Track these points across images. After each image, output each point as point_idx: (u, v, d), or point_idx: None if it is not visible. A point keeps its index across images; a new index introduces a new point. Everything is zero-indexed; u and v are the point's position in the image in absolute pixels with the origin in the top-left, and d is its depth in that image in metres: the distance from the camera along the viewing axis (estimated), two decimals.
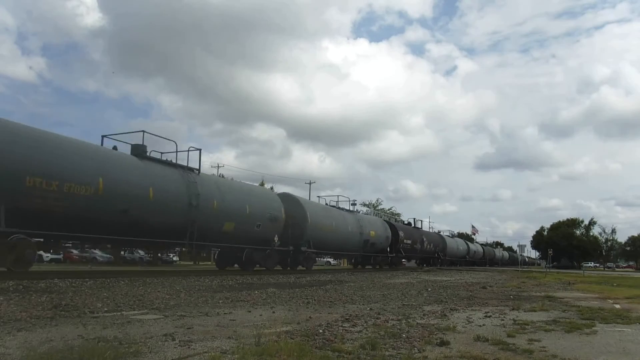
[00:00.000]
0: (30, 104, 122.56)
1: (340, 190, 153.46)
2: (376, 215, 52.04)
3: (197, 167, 19.60)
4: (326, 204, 31.92)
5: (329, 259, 51.18)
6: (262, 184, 49.61)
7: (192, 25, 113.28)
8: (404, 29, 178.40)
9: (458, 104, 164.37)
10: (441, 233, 58.17)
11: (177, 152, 18.94)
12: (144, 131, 17.96)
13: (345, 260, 41.57)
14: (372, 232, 33.55)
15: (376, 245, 34.39)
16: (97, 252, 36.30)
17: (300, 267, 25.78)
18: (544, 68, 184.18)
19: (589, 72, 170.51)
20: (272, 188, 49.09)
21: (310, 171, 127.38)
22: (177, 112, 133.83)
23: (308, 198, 38.60)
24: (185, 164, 18.95)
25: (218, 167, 50.95)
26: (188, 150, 19.65)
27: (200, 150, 20.16)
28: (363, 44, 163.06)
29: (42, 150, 13.48)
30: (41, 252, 33.82)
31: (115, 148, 17.21)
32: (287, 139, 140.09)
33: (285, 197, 26.16)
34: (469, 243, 67.65)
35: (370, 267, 36.06)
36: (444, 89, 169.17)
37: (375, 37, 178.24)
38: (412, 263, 49.83)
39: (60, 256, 35.91)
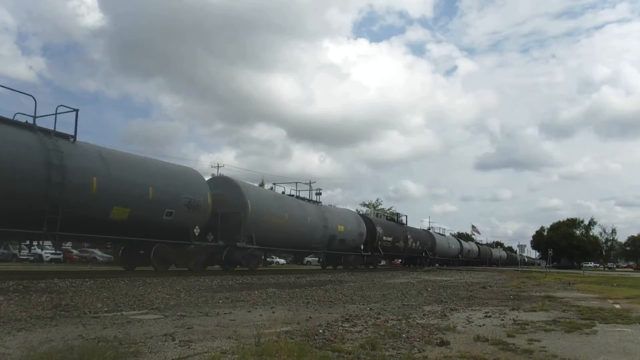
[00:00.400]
0: (29, 103, 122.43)
1: (340, 190, 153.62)
2: (377, 215, 51.77)
3: (72, 134, 14.58)
4: (283, 192, 27.61)
5: (278, 259, 47.08)
6: (261, 185, 49.42)
7: (193, 25, 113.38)
8: (404, 29, 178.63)
9: (458, 104, 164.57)
10: (431, 230, 53.74)
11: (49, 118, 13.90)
12: None
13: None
14: (341, 227, 29.15)
15: (346, 242, 30.05)
16: (97, 252, 36.35)
17: (240, 268, 21.20)
18: (544, 68, 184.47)
19: (589, 72, 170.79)
20: (272, 188, 48.69)
21: (310, 171, 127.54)
22: (177, 112, 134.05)
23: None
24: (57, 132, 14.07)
25: (218, 167, 50.93)
26: (56, 113, 14.28)
27: (77, 111, 14.76)
28: (363, 44, 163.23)
29: None
30: (40, 252, 34.21)
31: None
32: (287, 139, 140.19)
33: (219, 181, 22.49)
34: (462, 241, 63.56)
35: (341, 267, 31.34)
36: (444, 89, 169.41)
37: (375, 37, 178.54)
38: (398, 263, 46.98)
39: (60, 256, 35.93)
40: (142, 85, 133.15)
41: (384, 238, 35.34)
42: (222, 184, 21.68)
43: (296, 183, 29.95)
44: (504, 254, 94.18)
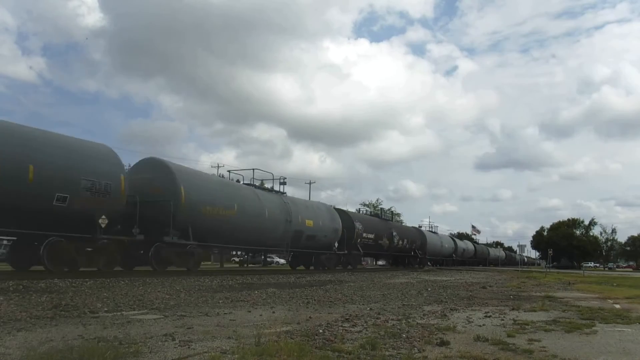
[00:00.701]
0: (29, 103, 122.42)
1: (340, 190, 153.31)
2: (376, 215, 51.33)
3: None
4: (238, 181, 23.42)
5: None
6: (261, 184, 49.21)
7: (193, 25, 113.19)
8: (405, 29, 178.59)
9: (458, 104, 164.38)
10: (422, 227, 50.41)
11: None
12: None
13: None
14: (310, 222, 25.51)
15: (317, 239, 26.38)
16: None
17: (175, 268, 18.10)
18: (544, 68, 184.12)
19: (589, 72, 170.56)
20: (272, 188, 48.40)
21: (310, 171, 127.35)
22: (177, 112, 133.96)
23: (308, 199, 34.76)
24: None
25: (218, 167, 50.85)
26: None
27: None
28: (364, 44, 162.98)
29: None
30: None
31: None
32: (287, 139, 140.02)
33: (147, 164, 18.65)
34: (457, 240, 60.65)
35: (312, 267, 28.07)
36: (445, 89, 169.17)
37: (376, 37, 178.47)
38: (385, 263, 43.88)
39: None
40: (142, 85, 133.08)
41: (364, 235, 31.58)
42: (151, 167, 18.13)
43: (253, 170, 25.06)
44: (502, 253, 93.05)
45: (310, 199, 27.40)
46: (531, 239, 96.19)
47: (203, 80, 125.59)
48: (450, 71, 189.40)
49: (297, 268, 28.20)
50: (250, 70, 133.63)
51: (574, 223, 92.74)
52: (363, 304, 9.66)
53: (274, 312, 7.90)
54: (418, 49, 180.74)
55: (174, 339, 5.11)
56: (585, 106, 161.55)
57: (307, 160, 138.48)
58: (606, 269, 79.36)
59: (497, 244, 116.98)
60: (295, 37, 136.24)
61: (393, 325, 6.68)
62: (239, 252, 37.99)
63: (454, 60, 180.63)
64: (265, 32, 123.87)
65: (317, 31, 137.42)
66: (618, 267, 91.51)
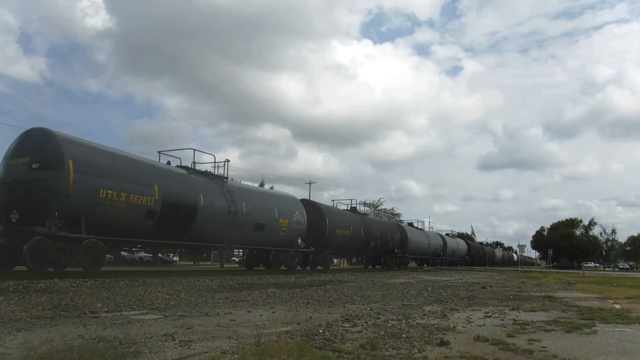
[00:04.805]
0: (30, 102, 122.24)
1: (343, 190, 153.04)
2: (376, 216, 51.08)
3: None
4: (179, 166, 19.38)
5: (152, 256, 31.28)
6: (261, 185, 49.38)
7: (200, 26, 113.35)
8: (412, 30, 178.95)
9: (463, 104, 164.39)
10: (404, 223, 45.78)
11: None
12: None
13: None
14: (264, 214, 21.81)
15: (272, 234, 22.44)
16: None
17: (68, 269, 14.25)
18: (543, 68, 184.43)
19: (590, 73, 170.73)
20: (272, 188, 48.68)
21: (314, 171, 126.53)
22: (183, 112, 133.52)
23: (308, 199, 31.24)
24: None
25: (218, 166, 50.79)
26: None
27: None
28: (371, 45, 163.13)
29: None
30: None
31: None
32: (292, 139, 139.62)
33: (29, 136, 14.29)
34: (445, 238, 54.50)
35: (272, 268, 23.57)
36: (450, 89, 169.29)
37: (383, 38, 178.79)
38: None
39: None
40: (148, 86, 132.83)
41: (337, 231, 28.08)
42: (31, 140, 14.17)
43: (194, 151, 21.02)
44: (500, 253, 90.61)
45: (209, 171, 20.56)
46: (531, 239, 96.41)
47: (209, 80, 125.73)
48: (456, 71, 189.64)
49: (254, 268, 24.08)
50: (256, 71, 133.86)
51: (572, 223, 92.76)
52: (363, 304, 9.66)
53: (274, 312, 7.90)
54: (423, 50, 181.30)
55: (174, 339, 5.11)
56: (588, 107, 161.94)
57: (311, 161, 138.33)
58: (606, 269, 79.22)
59: (497, 244, 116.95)
60: (302, 38, 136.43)
61: (393, 325, 6.68)
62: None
63: (459, 61, 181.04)
64: (272, 33, 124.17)
65: (324, 32, 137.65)
66: (617, 267, 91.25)
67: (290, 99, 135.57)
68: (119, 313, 7.23)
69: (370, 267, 37.31)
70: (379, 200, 74.45)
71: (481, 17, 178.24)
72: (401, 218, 61.21)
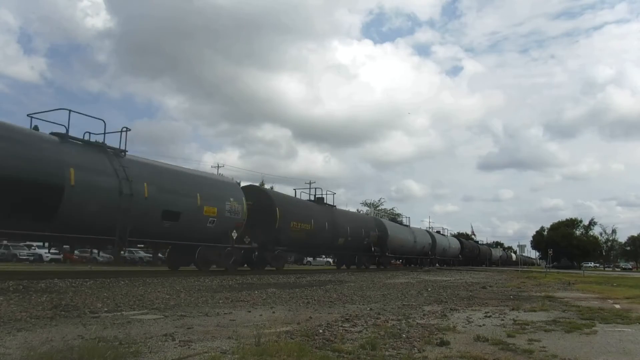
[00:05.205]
0: (31, 102, 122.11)
1: (344, 190, 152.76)
2: (377, 216, 50.87)
3: None
4: (52, 133, 14.48)
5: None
6: (262, 184, 49.43)
7: (200, 26, 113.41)
8: (413, 30, 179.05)
9: (463, 104, 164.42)
10: (384, 219, 41.74)
11: None
12: None
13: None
14: (183, 200, 17.22)
15: (191, 226, 17.60)
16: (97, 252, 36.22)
17: None
18: (543, 68, 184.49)
19: (590, 73, 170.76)
20: (272, 188, 48.77)
21: (314, 171, 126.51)
22: (183, 112, 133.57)
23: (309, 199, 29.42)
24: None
25: (218, 167, 50.85)
26: None
27: None
28: (371, 45, 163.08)
29: None
30: (41, 252, 34.20)
31: None
32: (292, 139, 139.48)
33: None
34: (435, 235, 49.73)
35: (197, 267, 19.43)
36: (450, 89, 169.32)
37: (384, 39, 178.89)
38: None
39: (61, 256, 35.90)
40: (148, 86, 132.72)
41: (293, 224, 23.48)
42: None
43: (69, 111, 14.77)
44: (498, 253, 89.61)
45: (103, 143, 15.67)
46: (531, 239, 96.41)
47: (209, 80, 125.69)
48: (456, 71, 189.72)
49: (178, 269, 19.69)
50: (256, 71, 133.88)
51: (573, 223, 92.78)
52: (363, 304, 9.65)
53: (274, 312, 7.90)
54: (424, 50, 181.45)
55: (174, 339, 5.11)
56: (588, 107, 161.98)
57: (312, 161, 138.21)
58: (607, 269, 79.19)
59: (497, 244, 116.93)
60: (302, 38, 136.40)
61: (393, 325, 6.68)
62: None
63: (459, 61, 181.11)
64: (273, 33, 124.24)
65: (325, 32, 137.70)
66: (618, 267, 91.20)
67: (291, 99, 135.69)
68: (119, 313, 7.23)
69: (344, 267, 32.89)
70: (379, 201, 74.45)
71: (481, 17, 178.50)
72: (401, 218, 61.14)
